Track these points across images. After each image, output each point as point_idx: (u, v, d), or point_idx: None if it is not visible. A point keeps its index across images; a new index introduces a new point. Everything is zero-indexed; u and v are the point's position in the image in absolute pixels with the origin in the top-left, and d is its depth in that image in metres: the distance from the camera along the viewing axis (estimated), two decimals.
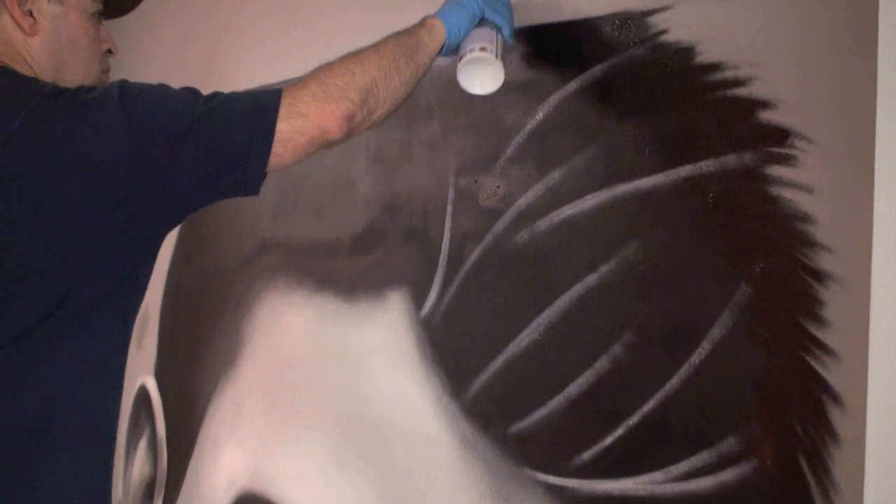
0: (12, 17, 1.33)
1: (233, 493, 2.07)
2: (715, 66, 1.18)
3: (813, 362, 1.07)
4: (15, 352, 1.21)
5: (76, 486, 1.27)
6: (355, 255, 1.77)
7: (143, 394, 2.57)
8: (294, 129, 1.22)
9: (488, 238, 1.47)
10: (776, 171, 1.11)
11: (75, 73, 1.38)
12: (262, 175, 1.24)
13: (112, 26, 1.49)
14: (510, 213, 1.44)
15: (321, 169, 1.87)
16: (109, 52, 1.46)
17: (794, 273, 1.09)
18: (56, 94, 1.23)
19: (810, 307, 1.07)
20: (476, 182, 1.51)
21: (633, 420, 1.24)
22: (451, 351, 1.55)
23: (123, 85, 1.23)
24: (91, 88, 1.25)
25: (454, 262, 1.54)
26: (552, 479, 1.34)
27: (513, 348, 1.42)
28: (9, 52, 1.34)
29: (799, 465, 1.07)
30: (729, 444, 1.14)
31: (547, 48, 1.41)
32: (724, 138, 1.17)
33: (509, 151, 1.45)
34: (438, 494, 1.54)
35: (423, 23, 1.37)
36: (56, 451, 1.25)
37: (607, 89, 1.31)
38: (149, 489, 2.50)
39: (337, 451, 1.79)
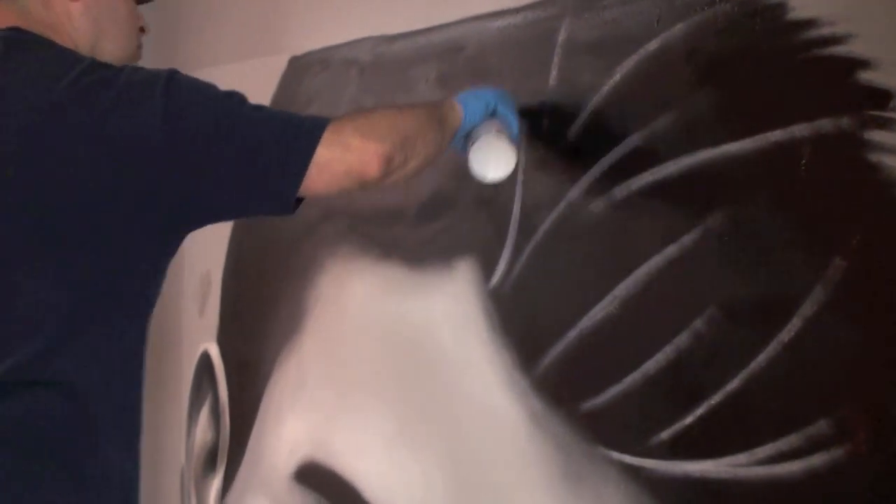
0: None
1: (295, 461, 2.06)
2: (809, 23, 1.10)
3: None
4: (45, 350, 1.22)
5: (111, 481, 1.29)
6: (421, 222, 1.73)
7: (205, 360, 2.58)
8: (333, 157, 1.22)
9: (561, 206, 1.42)
10: (876, 135, 1.03)
11: (114, 45, 1.39)
12: (292, 194, 1.23)
13: None
14: (585, 181, 1.38)
15: None
16: (142, 30, 1.47)
17: (893, 246, 1.02)
18: (98, 67, 1.24)
19: None
20: (549, 148, 1.46)
21: (716, 399, 1.18)
22: (521, 323, 1.50)
23: (172, 74, 1.23)
24: (137, 69, 1.26)
25: (525, 231, 1.48)
26: (628, 459, 1.29)
27: (586, 322, 1.36)
28: (49, 18, 1.34)
29: None
30: (819, 426, 1.07)
31: (625, 4, 1.35)
32: (818, 101, 1.09)
33: (584, 115, 1.39)
34: (506, 472, 1.50)
35: (445, 101, 1.38)
36: (93, 447, 1.26)
37: (690, 49, 1.24)
38: (211, 455, 2.51)
39: (401, 423, 1.76)
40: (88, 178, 1.18)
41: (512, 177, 1.42)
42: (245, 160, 1.21)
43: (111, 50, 1.38)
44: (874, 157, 1.03)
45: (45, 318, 1.22)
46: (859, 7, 1.06)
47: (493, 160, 1.35)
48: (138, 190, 1.20)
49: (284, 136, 1.22)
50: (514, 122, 1.41)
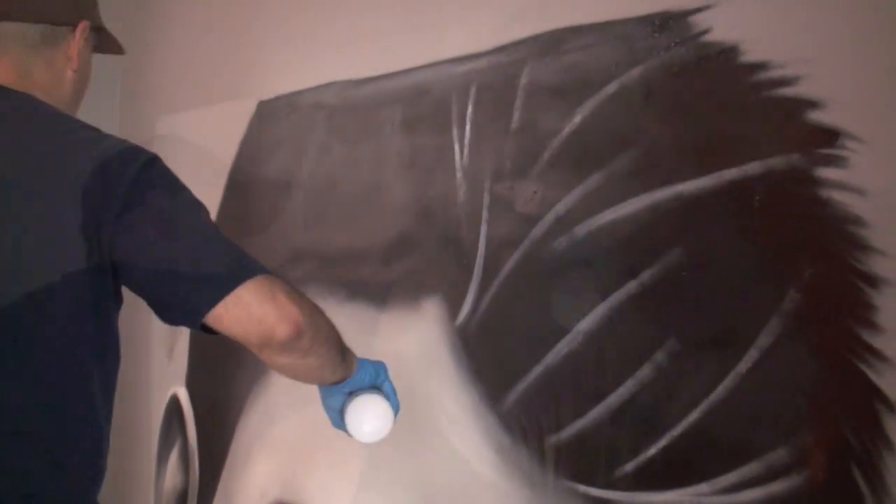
0: (67, 52, 1.42)
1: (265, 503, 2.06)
2: (760, 66, 1.14)
3: (866, 370, 1.03)
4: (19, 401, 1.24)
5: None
6: (389, 263, 1.75)
7: (174, 404, 2.56)
8: (254, 300, 1.20)
9: (525, 244, 1.44)
10: (825, 172, 1.07)
11: (77, 106, 1.47)
12: (201, 312, 1.21)
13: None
14: (548, 219, 1.41)
15: (353, 176, 1.85)
16: None
17: (845, 278, 1.05)
18: (86, 126, 1.32)
19: (863, 313, 1.03)
20: (512, 188, 1.49)
21: (678, 430, 1.21)
22: (487, 360, 1.52)
23: (154, 159, 1.28)
24: (123, 140, 1.31)
25: (490, 270, 1.51)
26: (594, 492, 1.31)
27: (551, 358, 1.39)
28: (46, 81, 1.42)
29: (852, 476, 1.04)
30: (779, 454, 1.10)
31: (585, 49, 1.38)
32: (770, 140, 1.13)
33: (546, 156, 1.42)
34: None
35: (351, 353, 1.38)
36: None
37: (647, 91, 1.28)
38: (181, 499, 2.49)
39: (371, 462, 1.76)
40: (61, 223, 1.22)
41: (476, 217, 1.45)
42: (178, 261, 1.22)
43: (73, 110, 1.45)
44: (824, 192, 1.07)
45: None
46: (809, 50, 1.10)
47: (372, 415, 1.36)
48: (92, 241, 1.23)
49: (222, 258, 1.23)
50: (396, 403, 1.40)
